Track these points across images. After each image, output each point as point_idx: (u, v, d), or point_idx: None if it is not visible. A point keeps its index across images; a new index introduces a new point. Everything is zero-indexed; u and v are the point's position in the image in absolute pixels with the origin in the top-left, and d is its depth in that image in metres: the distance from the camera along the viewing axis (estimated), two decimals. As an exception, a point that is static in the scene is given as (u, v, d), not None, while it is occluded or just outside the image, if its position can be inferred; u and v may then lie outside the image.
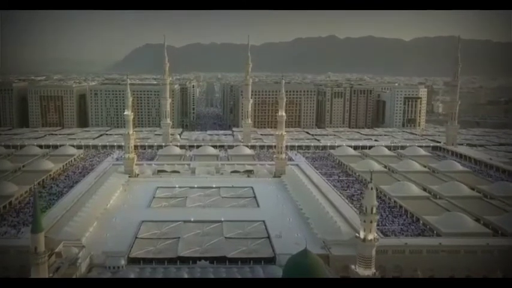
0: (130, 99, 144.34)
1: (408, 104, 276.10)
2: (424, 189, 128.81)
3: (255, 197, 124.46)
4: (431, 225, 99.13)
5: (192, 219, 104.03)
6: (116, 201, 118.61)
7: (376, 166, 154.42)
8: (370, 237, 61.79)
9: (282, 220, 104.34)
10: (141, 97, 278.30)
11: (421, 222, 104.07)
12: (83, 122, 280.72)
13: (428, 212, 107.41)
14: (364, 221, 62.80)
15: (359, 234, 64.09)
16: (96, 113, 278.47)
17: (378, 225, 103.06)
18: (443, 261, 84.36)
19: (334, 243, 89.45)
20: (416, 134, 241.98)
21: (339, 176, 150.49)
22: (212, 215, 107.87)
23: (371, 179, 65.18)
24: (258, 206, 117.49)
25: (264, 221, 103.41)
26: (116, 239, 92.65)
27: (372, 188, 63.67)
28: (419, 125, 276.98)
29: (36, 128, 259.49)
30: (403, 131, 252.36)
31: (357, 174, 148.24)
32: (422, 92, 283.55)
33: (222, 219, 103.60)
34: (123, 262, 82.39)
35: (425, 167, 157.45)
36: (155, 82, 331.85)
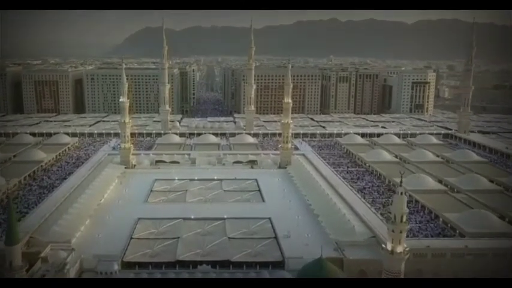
0: (126, 85, 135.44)
1: (416, 89, 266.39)
2: (440, 182, 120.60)
3: (259, 190, 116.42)
4: (453, 223, 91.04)
5: (193, 217, 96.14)
6: (111, 196, 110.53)
7: (387, 156, 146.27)
8: (399, 249, 53.58)
9: (290, 217, 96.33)
10: (139, 82, 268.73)
11: (440, 219, 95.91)
12: (80, 108, 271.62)
13: (447, 208, 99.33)
14: (393, 231, 54.46)
15: (385, 245, 55.86)
16: (92, 99, 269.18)
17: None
18: (469, 266, 76.31)
19: (348, 244, 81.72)
20: (424, 120, 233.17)
21: (348, 167, 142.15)
22: (214, 212, 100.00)
23: (401, 182, 56.80)
24: (263, 200, 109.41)
25: (270, 218, 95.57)
26: (109, 239, 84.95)
27: (401, 193, 55.21)
28: (427, 111, 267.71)
29: (31, 114, 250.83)
30: (411, 117, 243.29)
31: (367, 164, 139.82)
32: (431, 77, 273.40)
33: (225, 217, 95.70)
34: (116, 267, 74.74)
35: (438, 156, 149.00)
36: (154, 66, 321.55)
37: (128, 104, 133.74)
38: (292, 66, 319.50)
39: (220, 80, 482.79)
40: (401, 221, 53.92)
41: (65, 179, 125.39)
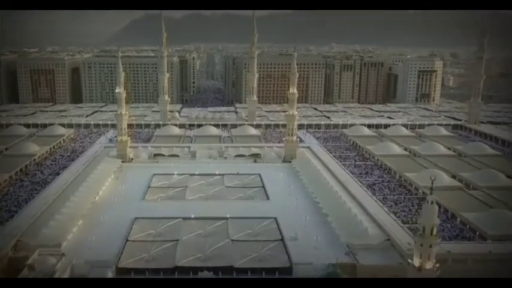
0: (123, 74, 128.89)
1: (422, 78, 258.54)
2: (454, 177, 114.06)
3: (263, 186, 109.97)
4: (473, 224, 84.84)
5: (193, 216, 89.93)
6: (106, 193, 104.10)
7: (396, 149, 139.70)
8: (429, 265, 47.42)
9: (297, 217, 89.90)
10: (137, 70, 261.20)
11: (458, 219, 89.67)
12: (77, 97, 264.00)
13: (465, 207, 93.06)
14: (421, 245, 48.16)
15: (411, 260, 49.59)
16: (90, 88, 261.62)
17: (408, 222, 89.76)
18: (492, 272, 69.89)
19: (361, 248, 75.71)
20: (431, 110, 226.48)
21: (355, 160, 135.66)
22: (216, 210, 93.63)
23: (431, 189, 50.49)
24: (268, 198, 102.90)
25: (275, 218, 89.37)
26: (103, 242, 78.64)
27: (432, 202, 48.90)
28: (433, 100, 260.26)
29: (27, 104, 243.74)
30: (418, 107, 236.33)
31: (376, 158, 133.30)
32: (438, 65, 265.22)
33: (228, 216, 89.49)
34: (110, 274, 68.82)
35: (449, 149, 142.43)
36: (153, 54, 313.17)
37: (124, 95, 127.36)
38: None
39: (221, 68, 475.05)
40: (432, 233, 47.59)
41: (58, 174, 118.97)
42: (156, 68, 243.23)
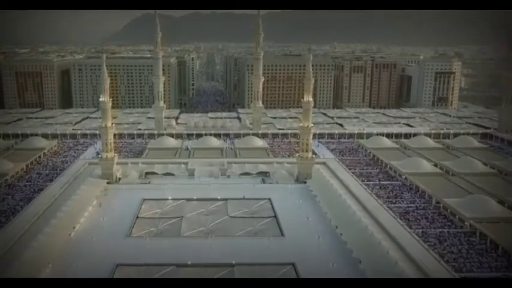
0: (108, 81, 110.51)
1: (439, 80, 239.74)
2: (501, 202, 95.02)
3: (275, 216, 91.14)
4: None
5: (190, 262, 71.34)
6: (85, 226, 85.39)
7: (426, 165, 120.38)
8: None
9: (321, 263, 71.37)
10: (132, 73, 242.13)
11: (525, 266, 70.97)
12: (66, 102, 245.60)
13: (529, 248, 74.32)
14: None
15: None
16: (80, 92, 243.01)
17: (461, 270, 71.25)
18: None
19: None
20: (450, 116, 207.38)
21: (380, 179, 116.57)
22: (218, 252, 75.13)
23: None
24: (282, 233, 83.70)
25: (293, 264, 70.78)
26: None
27: None
28: (451, 104, 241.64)
29: (12, 109, 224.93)
30: (435, 112, 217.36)
31: (403, 177, 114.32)
32: (456, 66, 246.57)
33: (233, 263, 70.86)
34: None
35: (486, 165, 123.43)
36: (149, 55, 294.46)
37: (109, 105, 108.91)
38: (299, 55, 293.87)
39: (221, 68, 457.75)
40: None
41: (31, 199, 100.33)
42: (151, 70, 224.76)
